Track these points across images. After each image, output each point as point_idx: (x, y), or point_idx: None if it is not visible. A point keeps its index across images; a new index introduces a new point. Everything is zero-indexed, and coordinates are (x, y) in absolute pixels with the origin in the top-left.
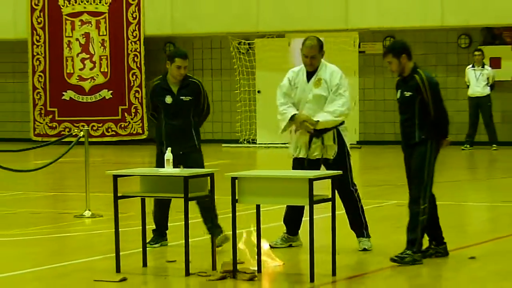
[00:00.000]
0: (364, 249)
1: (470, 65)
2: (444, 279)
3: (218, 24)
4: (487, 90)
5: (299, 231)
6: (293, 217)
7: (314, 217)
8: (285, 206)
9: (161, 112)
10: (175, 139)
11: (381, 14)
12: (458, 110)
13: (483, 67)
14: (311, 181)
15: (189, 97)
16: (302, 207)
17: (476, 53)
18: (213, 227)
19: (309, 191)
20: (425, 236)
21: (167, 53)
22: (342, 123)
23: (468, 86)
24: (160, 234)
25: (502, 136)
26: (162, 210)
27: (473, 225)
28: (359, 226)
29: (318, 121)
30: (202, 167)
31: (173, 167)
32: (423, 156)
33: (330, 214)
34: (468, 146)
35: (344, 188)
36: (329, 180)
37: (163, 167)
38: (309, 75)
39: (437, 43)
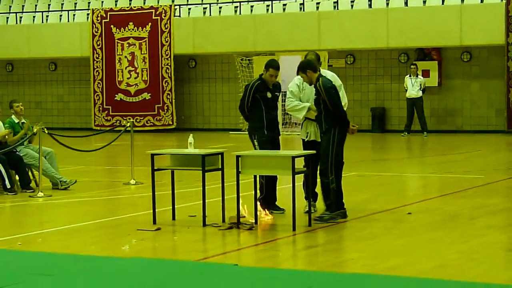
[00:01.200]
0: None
1: (408, 75)
2: (389, 229)
3: (226, 45)
4: (420, 93)
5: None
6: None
7: (297, 184)
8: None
9: (260, 105)
10: (272, 126)
11: (344, 38)
12: (399, 107)
13: (417, 76)
14: (293, 158)
15: (278, 93)
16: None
17: (412, 66)
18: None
19: (292, 165)
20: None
21: (266, 63)
22: None
23: (406, 90)
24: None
25: (430, 126)
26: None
27: (410, 190)
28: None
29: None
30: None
31: (272, 147)
32: (328, 140)
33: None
34: (406, 133)
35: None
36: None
37: (266, 146)
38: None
39: (384, 59)
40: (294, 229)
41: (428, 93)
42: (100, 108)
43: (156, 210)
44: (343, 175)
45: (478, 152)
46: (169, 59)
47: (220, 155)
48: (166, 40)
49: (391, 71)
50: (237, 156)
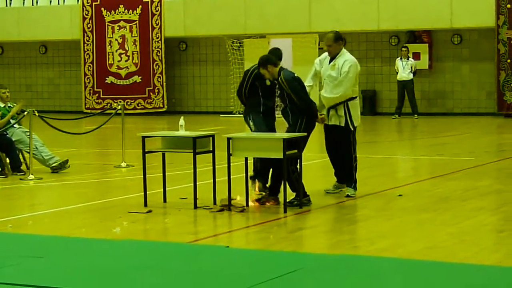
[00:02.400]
0: (347, 195)
1: (399, 58)
2: (379, 211)
3: (217, 28)
4: (411, 76)
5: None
6: (339, 170)
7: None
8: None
9: (258, 92)
10: (269, 113)
11: (335, 20)
12: (390, 90)
13: (408, 59)
14: (284, 140)
15: (275, 81)
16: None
17: (403, 49)
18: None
19: (283, 147)
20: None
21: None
22: (351, 98)
23: (397, 73)
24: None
25: (421, 109)
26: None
27: (400, 172)
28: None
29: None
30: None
31: (266, 130)
32: (294, 131)
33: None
34: (397, 116)
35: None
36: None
37: (264, 123)
38: (330, 60)
39: (374, 41)
40: (285, 211)
41: (418, 76)
42: (91, 91)
43: (147, 192)
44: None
45: (469, 134)
46: (159, 42)
47: (211, 138)
48: (157, 22)
49: (382, 53)
50: (228, 139)
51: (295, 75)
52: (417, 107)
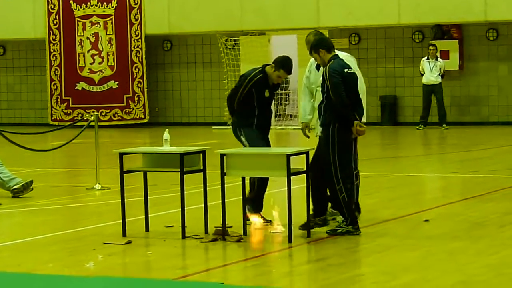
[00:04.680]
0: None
1: (425, 57)
2: (402, 239)
3: (208, 24)
4: (439, 79)
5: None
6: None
7: (294, 187)
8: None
9: (253, 101)
10: (264, 127)
11: (347, 14)
12: (413, 95)
13: (436, 59)
14: (288, 156)
15: (275, 91)
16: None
17: (431, 47)
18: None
19: (287, 165)
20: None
21: (278, 59)
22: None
23: (422, 75)
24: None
25: (450, 117)
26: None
27: (427, 193)
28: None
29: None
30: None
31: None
32: (327, 139)
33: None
34: (422, 126)
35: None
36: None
37: (260, 140)
38: (319, 65)
39: (395, 38)
40: (290, 241)
41: (447, 79)
42: (58, 100)
43: (126, 219)
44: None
45: (508, 147)
46: (139, 40)
47: (201, 154)
48: (136, 18)
49: (404, 52)
50: (222, 155)
51: (347, 70)
52: (446, 115)
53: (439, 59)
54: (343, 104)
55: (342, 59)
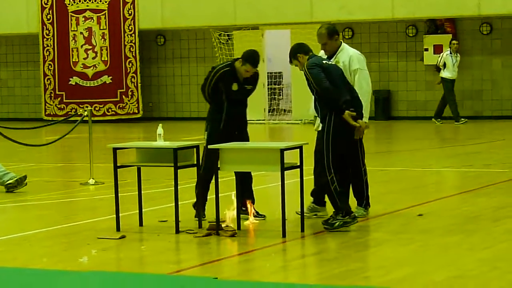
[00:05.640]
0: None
1: (447, 52)
2: (397, 233)
3: (201, 18)
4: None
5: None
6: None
7: (287, 182)
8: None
9: (222, 96)
10: (234, 121)
11: (340, 8)
12: (407, 90)
13: (457, 53)
14: (282, 150)
15: (251, 86)
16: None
17: (454, 41)
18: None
19: (281, 159)
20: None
21: (245, 53)
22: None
23: (438, 70)
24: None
25: (444, 111)
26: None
27: (421, 187)
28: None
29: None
30: None
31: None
32: (323, 130)
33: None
34: (463, 119)
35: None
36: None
37: (221, 142)
38: (329, 57)
39: (388, 32)
40: (284, 235)
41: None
42: (52, 95)
43: (120, 214)
44: None
45: (501, 142)
46: (133, 35)
47: (195, 149)
48: (130, 12)
49: (397, 46)
50: (216, 150)
51: (326, 62)
52: (443, 111)
53: (457, 54)
54: (328, 92)
55: (319, 56)
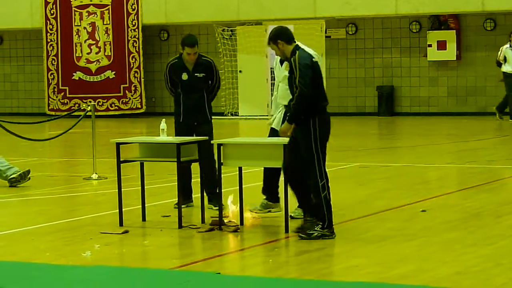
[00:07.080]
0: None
1: (507, 45)
2: (399, 229)
3: (204, 14)
4: None
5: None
6: (271, 186)
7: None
8: (262, 178)
9: (179, 87)
10: (191, 111)
11: (344, 4)
12: (410, 86)
13: None
14: (285, 146)
15: (203, 74)
16: (278, 177)
17: None
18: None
19: (284, 155)
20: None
21: (181, 40)
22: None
23: (499, 65)
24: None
25: (448, 107)
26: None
27: (423, 184)
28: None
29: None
30: (211, 136)
31: (187, 136)
32: (308, 133)
33: None
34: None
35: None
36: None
37: (181, 135)
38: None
39: (392, 28)
40: (286, 231)
41: (444, 69)
42: (55, 89)
43: (123, 209)
44: (344, 166)
45: (505, 138)
46: (136, 30)
47: (197, 144)
48: (133, 7)
49: (401, 42)
50: (219, 145)
51: (314, 59)
52: (506, 106)
53: None
54: (309, 98)
55: (308, 52)
